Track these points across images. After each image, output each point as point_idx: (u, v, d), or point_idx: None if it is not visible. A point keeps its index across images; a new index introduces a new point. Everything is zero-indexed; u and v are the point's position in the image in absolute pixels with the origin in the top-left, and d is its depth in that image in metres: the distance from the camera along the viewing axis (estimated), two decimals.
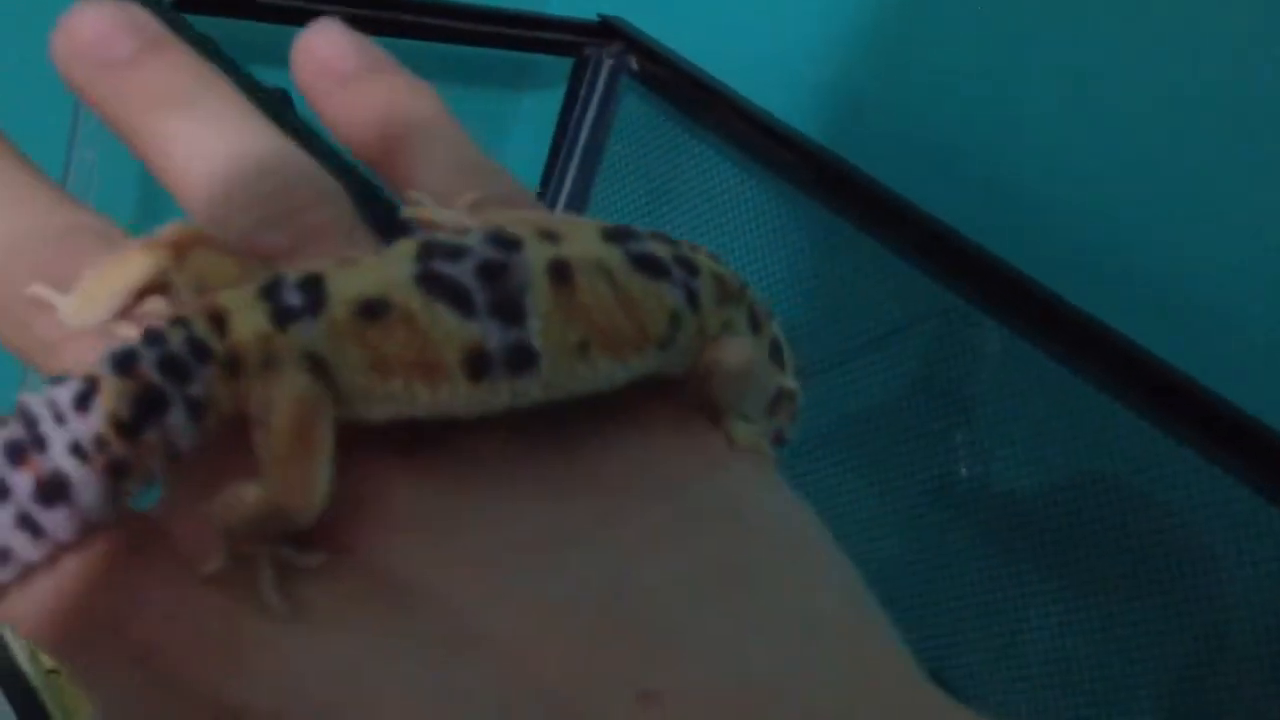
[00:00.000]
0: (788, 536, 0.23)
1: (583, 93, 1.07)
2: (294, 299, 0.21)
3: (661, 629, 0.21)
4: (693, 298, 0.24)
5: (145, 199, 1.05)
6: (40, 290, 0.23)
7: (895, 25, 0.97)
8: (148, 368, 0.21)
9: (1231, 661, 0.78)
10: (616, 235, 0.24)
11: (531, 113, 1.21)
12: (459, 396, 0.22)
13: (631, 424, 0.24)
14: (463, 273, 0.22)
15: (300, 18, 0.98)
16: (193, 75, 0.25)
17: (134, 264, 0.23)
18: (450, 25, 1.02)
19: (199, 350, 0.21)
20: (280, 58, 1.04)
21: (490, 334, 0.22)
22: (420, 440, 0.23)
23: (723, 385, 0.25)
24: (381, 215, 0.62)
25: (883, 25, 0.97)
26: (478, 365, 0.22)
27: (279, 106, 0.65)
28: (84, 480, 0.20)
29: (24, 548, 0.21)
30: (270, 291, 0.22)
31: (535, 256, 0.22)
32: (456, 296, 0.22)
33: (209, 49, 0.68)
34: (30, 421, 0.21)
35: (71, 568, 0.21)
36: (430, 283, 0.22)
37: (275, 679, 0.20)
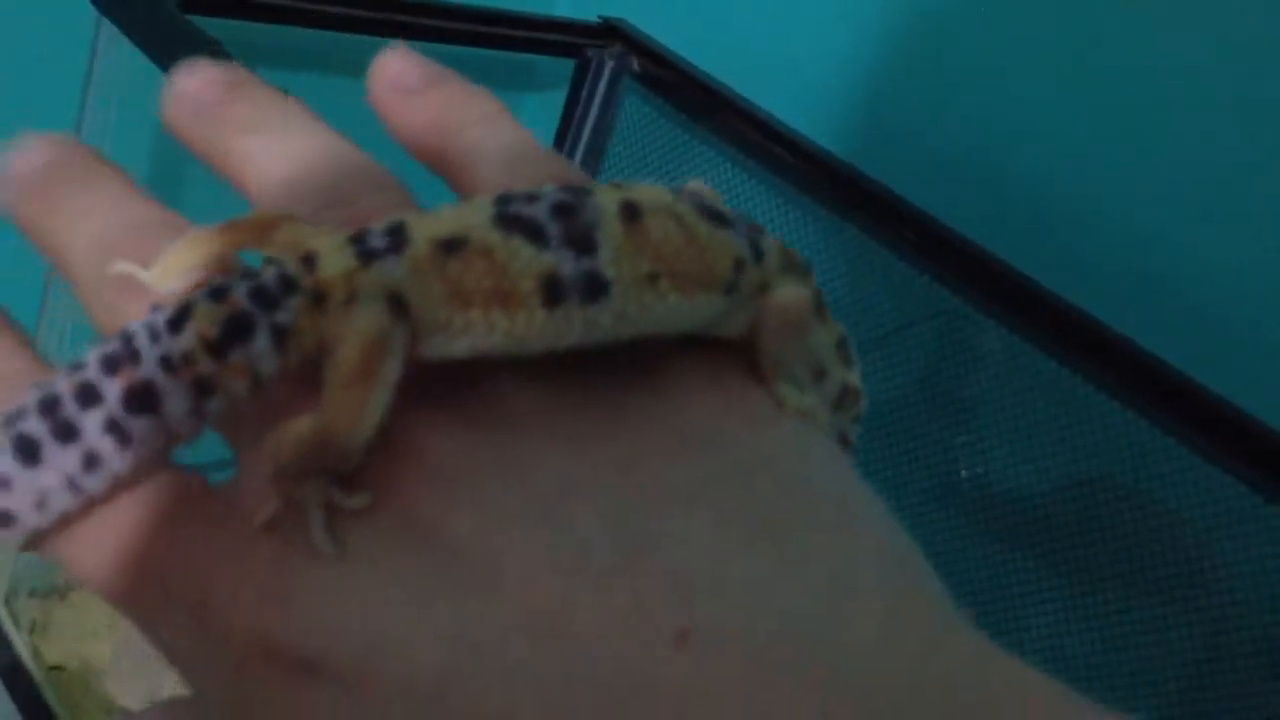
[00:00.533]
0: (825, 494, 0.24)
1: (584, 94, 1.08)
2: (379, 242, 0.23)
3: (689, 577, 0.21)
4: (757, 250, 0.26)
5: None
6: (124, 266, 0.25)
7: (900, 27, 0.97)
8: (239, 296, 0.23)
9: (1232, 660, 0.78)
10: (685, 194, 0.25)
11: (534, 113, 1.21)
12: (535, 324, 0.23)
13: (672, 382, 0.25)
14: (538, 211, 0.23)
15: (303, 19, 0.98)
16: (270, 104, 0.29)
17: (211, 240, 0.25)
18: (453, 26, 1.03)
19: (287, 283, 0.23)
20: (282, 58, 1.05)
21: (564, 262, 0.23)
22: (459, 395, 0.24)
23: (776, 332, 0.26)
24: None
25: (887, 26, 0.98)
26: (553, 291, 0.23)
27: None
28: (170, 391, 0.22)
29: (111, 455, 0.22)
30: (358, 237, 0.23)
31: (606, 199, 0.24)
32: (531, 230, 0.23)
33: (212, 49, 0.69)
34: (128, 339, 0.22)
35: (129, 514, 0.23)
36: (507, 221, 0.23)
37: (321, 622, 0.21)
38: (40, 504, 0.22)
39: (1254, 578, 0.76)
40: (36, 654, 1.02)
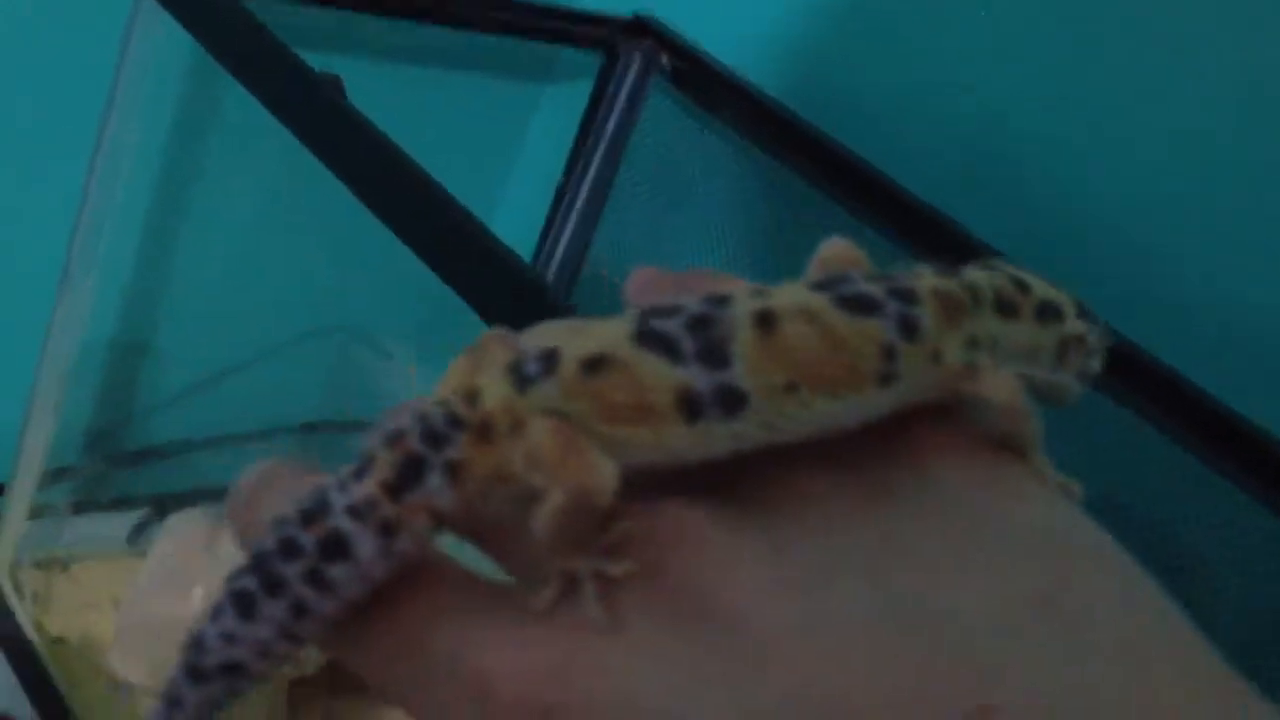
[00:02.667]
0: (1095, 566, 0.24)
1: (610, 89, 1.08)
2: (533, 368, 0.25)
3: (981, 650, 0.21)
4: (909, 328, 0.25)
5: (166, 178, 1.05)
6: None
7: (951, 41, 0.97)
8: (411, 440, 0.24)
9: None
10: (826, 284, 0.26)
11: (555, 106, 1.21)
12: (681, 439, 0.24)
13: (926, 458, 0.25)
14: (673, 326, 0.25)
15: (355, 2, 0.97)
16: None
17: (459, 365, 0.27)
18: (482, 14, 1.03)
19: (453, 421, 0.25)
20: (333, 43, 1.05)
21: (698, 377, 0.24)
22: (716, 477, 0.25)
23: (1003, 422, 0.26)
24: (456, 217, 0.62)
25: (933, 40, 0.98)
26: (690, 407, 0.24)
27: (332, 92, 0.66)
28: (359, 536, 0.24)
29: (316, 602, 0.24)
30: (515, 366, 0.25)
31: (741, 310, 0.25)
32: (666, 346, 0.24)
33: (262, 34, 0.69)
34: (321, 493, 0.25)
35: (406, 613, 0.24)
36: (644, 337, 0.24)
37: (600, 699, 0.22)
38: (263, 653, 0.25)
39: (1250, 590, 0.77)
40: (39, 626, 1.02)
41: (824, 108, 0.98)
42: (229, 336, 1.14)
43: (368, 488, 0.24)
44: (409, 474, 0.24)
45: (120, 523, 1.11)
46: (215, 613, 0.25)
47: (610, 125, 1.08)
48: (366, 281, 1.12)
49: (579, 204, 1.12)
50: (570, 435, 0.24)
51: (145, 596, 1.00)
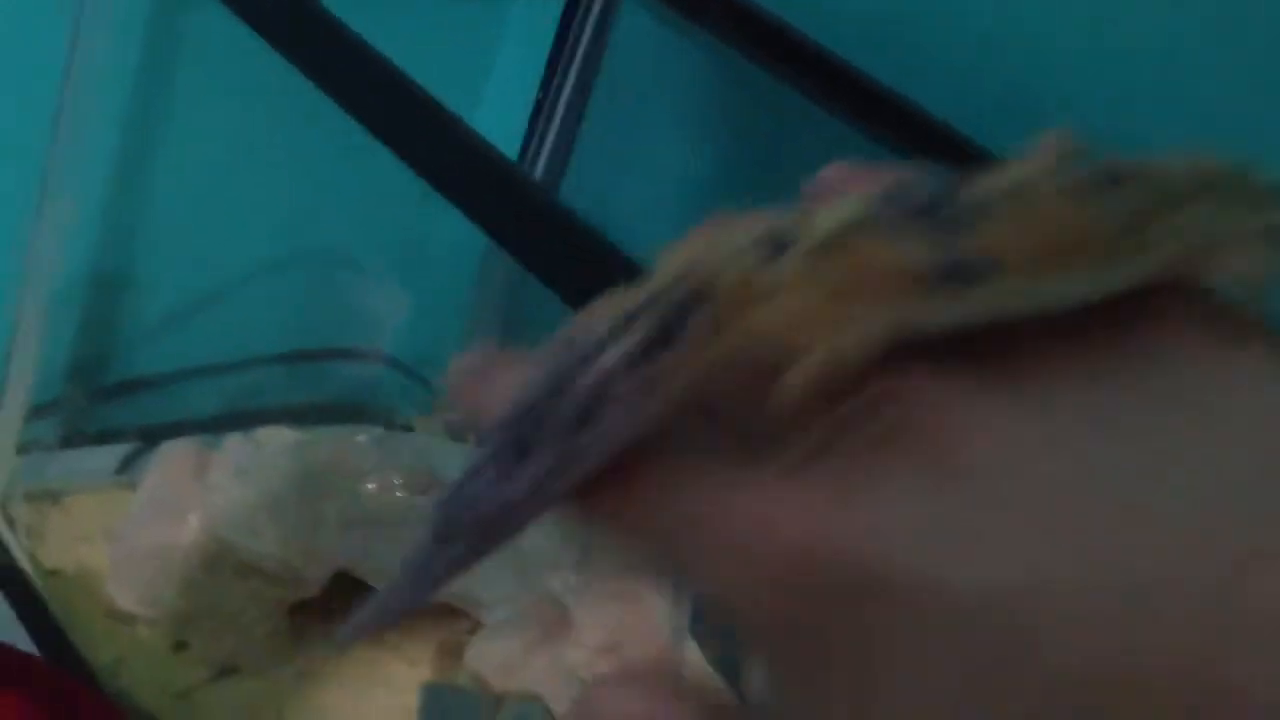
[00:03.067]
0: None
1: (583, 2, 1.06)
2: (772, 243, 0.25)
3: (1242, 502, 0.22)
4: (1138, 209, 0.26)
5: (139, 98, 1.04)
6: None
7: None
8: (655, 312, 0.25)
9: None
10: (1050, 168, 0.26)
11: (524, 22, 1.19)
12: (919, 311, 0.24)
13: (1158, 330, 0.26)
14: (910, 204, 0.25)
15: None
16: None
17: (692, 242, 0.27)
18: None
19: (697, 294, 0.25)
20: None
21: (936, 251, 0.24)
22: (958, 347, 0.25)
23: (1236, 298, 0.27)
24: (434, 112, 0.60)
25: None
26: (929, 281, 0.24)
27: None
28: (605, 404, 0.25)
29: (565, 466, 0.25)
30: (753, 243, 0.25)
31: (975, 190, 0.25)
32: (903, 222, 0.25)
33: None
34: (567, 361, 0.25)
35: (655, 478, 0.25)
36: (881, 213, 0.25)
37: (864, 557, 0.22)
38: (509, 514, 0.26)
39: None
40: (34, 558, 1.02)
41: (807, 10, 0.97)
42: (209, 264, 1.13)
43: (614, 357, 0.25)
44: (655, 343, 0.25)
45: (109, 455, 1.11)
46: (469, 474, 0.26)
47: (586, 33, 1.07)
48: (347, 203, 1.10)
49: (557, 118, 1.11)
50: (814, 305, 0.24)
51: (139, 527, 1.00)
